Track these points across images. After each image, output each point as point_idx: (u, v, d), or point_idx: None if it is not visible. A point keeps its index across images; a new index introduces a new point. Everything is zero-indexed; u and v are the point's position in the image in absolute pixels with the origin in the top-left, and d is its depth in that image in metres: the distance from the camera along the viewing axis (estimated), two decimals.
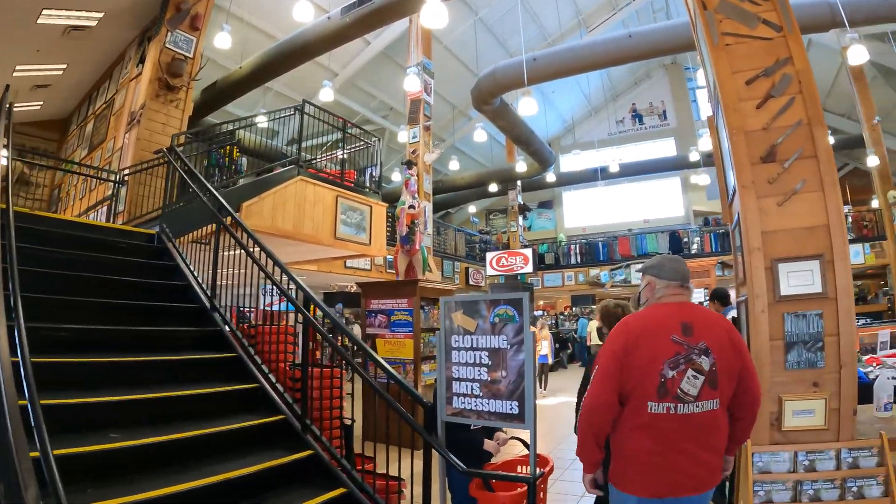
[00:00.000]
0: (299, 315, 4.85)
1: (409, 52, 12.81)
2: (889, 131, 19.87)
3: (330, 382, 4.93)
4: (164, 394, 4.14)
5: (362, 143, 10.76)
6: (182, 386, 4.39)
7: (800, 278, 3.27)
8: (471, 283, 20.88)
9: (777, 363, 3.23)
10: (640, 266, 4.01)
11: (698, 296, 13.68)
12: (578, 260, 23.96)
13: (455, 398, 3.95)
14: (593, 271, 22.81)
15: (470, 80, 17.86)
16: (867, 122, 16.85)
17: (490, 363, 3.81)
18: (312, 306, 4.84)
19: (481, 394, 3.85)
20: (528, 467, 4.13)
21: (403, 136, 14.03)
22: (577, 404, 4.02)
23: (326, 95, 13.74)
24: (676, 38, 13.74)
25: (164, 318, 5.34)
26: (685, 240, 22.92)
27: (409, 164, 10.57)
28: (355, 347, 5.04)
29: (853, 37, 10.27)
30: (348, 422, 5.06)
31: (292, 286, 4.99)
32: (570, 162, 28.19)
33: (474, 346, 3.88)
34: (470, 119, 23.91)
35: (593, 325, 15.22)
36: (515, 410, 3.72)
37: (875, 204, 18.02)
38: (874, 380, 4.33)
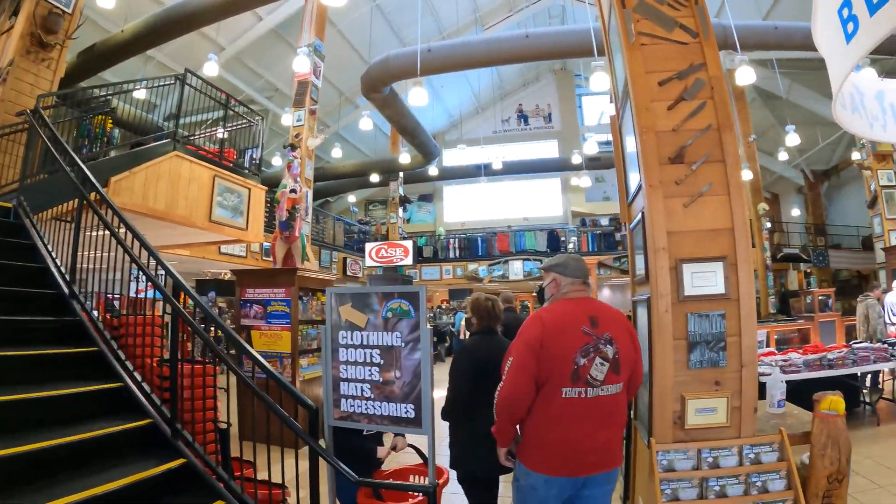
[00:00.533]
0: (168, 305, 4.27)
1: (302, 31, 12.34)
2: (762, 149, 21.46)
3: (202, 381, 4.39)
4: (12, 397, 3.55)
5: (245, 121, 10.29)
6: (34, 387, 3.82)
7: (704, 279, 3.27)
8: (348, 273, 20.58)
9: (680, 362, 3.22)
10: (542, 263, 4.01)
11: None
12: (457, 254, 24.18)
13: (343, 400, 3.64)
14: (471, 266, 23.06)
15: (360, 66, 17.50)
16: (744, 139, 18.21)
17: (382, 362, 3.54)
18: (183, 295, 4.34)
19: (373, 396, 3.58)
20: (420, 476, 3.93)
21: (287, 118, 13.52)
22: (449, 393, 4.02)
23: (211, 70, 12.93)
24: (572, 43, 14.10)
25: (16, 306, 4.67)
26: (563, 238, 23.56)
27: (293, 147, 10.20)
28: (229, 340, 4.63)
29: (743, 59, 10.80)
30: (223, 425, 4.56)
31: (161, 272, 4.43)
32: (454, 157, 28.40)
33: (364, 343, 3.59)
34: (357, 107, 23.53)
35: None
36: (411, 414, 3.48)
37: None
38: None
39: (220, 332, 4.49)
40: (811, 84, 20.61)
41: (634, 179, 3.88)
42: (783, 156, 21.88)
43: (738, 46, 11.14)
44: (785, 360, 7.48)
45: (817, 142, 22.33)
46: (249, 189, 9.68)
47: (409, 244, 20.28)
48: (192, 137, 9.08)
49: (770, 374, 4.23)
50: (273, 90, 20.93)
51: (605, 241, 23.29)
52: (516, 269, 22.29)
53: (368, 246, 20.51)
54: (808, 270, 24.61)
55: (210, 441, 4.34)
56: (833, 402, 3.29)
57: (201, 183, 8.61)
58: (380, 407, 3.55)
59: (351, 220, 25.94)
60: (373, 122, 17.94)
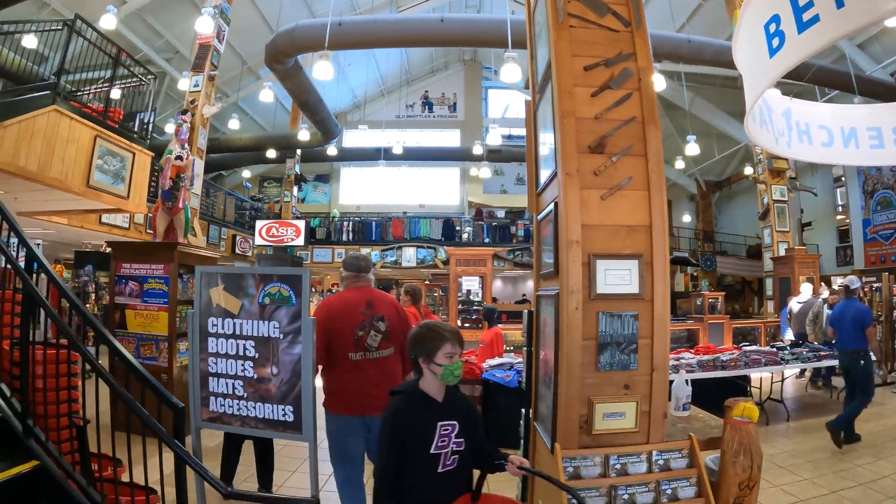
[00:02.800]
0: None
1: None
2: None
3: (61, 368, 3.70)
4: None
5: (136, 79, 9.55)
6: None
7: (618, 277, 3.09)
8: (237, 251, 19.73)
9: (589, 364, 3.04)
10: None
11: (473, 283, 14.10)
12: (350, 237, 23.64)
13: (212, 399, 3.24)
14: (365, 250, 22.57)
15: (266, 35, 16.69)
16: None
17: (257, 356, 3.18)
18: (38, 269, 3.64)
19: (246, 395, 3.18)
20: None
21: (185, 84, 12.81)
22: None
23: (108, 22, 11.93)
24: (486, 32, 14.01)
25: None
26: (458, 228, 23.53)
27: (184, 110, 9.58)
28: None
29: (655, 66, 10.89)
30: (82, 422, 3.82)
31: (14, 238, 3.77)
32: (355, 138, 28.03)
33: (237, 332, 3.21)
34: (258, 78, 22.58)
35: None
36: (290, 417, 3.14)
37: None
38: None
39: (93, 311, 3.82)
40: (713, 99, 21.56)
41: (547, 168, 3.68)
42: (679, 164, 22.75)
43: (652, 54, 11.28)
44: (678, 360, 7.58)
45: (713, 154, 23.33)
46: (134, 154, 8.96)
47: (301, 224, 19.66)
48: (76, 93, 8.23)
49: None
50: (173, 52, 19.73)
51: (501, 233, 23.39)
52: (409, 255, 22.05)
53: (259, 224, 19.75)
54: (695, 273, 25.68)
55: (68, 439, 3.72)
56: (746, 408, 3.21)
57: (81, 144, 7.90)
58: (254, 408, 3.16)
59: (244, 196, 24.97)
60: (274, 95, 17.16)
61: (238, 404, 3.16)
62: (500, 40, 12.40)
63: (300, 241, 19.31)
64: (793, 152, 5.05)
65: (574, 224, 3.11)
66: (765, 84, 3.34)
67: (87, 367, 3.62)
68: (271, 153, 22.63)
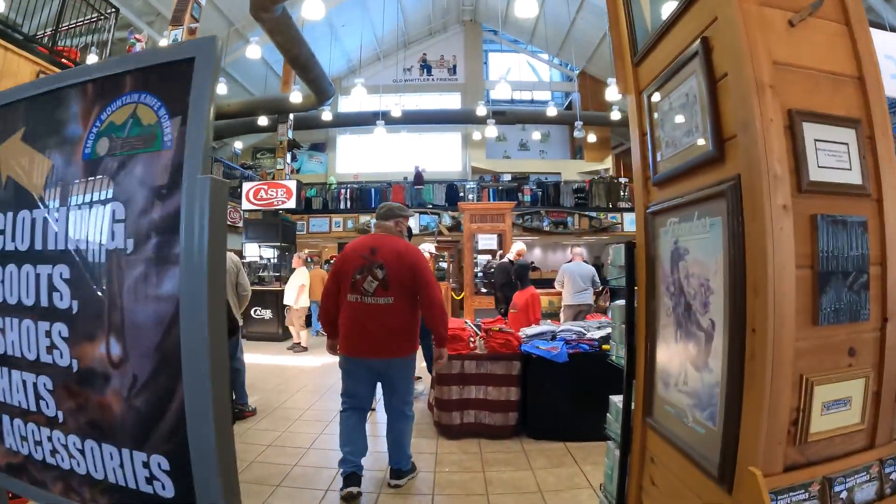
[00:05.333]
0: None
1: None
2: None
3: None
4: None
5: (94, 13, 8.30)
6: None
7: (831, 156, 1.66)
8: (228, 222, 18.32)
9: (804, 312, 1.59)
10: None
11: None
12: (348, 205, 22.58)
13: (6, 424, 1.44)
14: (363, 218, 21.43)
15: None
16: None
17: (75, 307, 1.33)
18: None
19: (61, 415, 1.35)
20: None
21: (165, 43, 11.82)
22: None
23: None
24: None
25: None
26: (461, 194, 22.33)
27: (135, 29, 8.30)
28: None
29: None
30: None
31: None
32: (350, 104, 26.98)
33: (37, 243, 1.39)
34: (247, 41, 21.24)
35: None
36: (165, 488, 1.26)
37: None
38: None
39: None
40: None
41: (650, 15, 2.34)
42: None
43: None
44: None
45: None
46: None
47: (292, 185, 18.12)
48: (37, 36, 7.35)
49: None
50: (154, 14, 18.34)
51: (507, 198, 22.17)
52: (411, 222, 20.73)
53: (246, 186, 18.26)
54: None
55: None
56: None
57: (20, 79, 6.54)
58: (80, 452, 1.30)
59: (233, 164, 23.55)
60: (263, 58, 15.85)
61: (52, 440, 1.31)
62: None
63: (292, 203, 17.76)
64: None
65: (762, 56, 1.68)
66: None
67: None
68: (263, 120, 21.59)
